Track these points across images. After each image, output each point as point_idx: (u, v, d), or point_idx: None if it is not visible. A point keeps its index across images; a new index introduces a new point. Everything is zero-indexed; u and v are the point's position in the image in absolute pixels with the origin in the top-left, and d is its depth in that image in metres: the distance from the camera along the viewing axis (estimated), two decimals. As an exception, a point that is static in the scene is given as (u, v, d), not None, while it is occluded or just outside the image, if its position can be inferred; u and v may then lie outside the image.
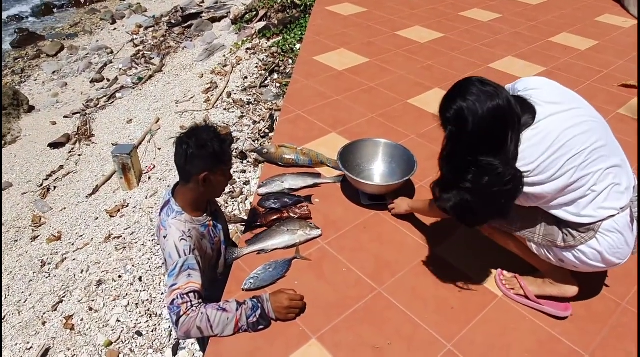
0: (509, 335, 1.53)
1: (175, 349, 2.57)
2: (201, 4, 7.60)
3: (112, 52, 6.70)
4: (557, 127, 1.31)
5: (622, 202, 1.35)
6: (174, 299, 1.39)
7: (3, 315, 2.96)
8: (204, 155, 1.44)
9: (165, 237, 1.48)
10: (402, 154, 2.14)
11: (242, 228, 2.73)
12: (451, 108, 1.29)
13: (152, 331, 2.68)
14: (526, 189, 1.32)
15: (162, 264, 1.59)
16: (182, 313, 1.38)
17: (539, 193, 1.34)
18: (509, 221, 1.49)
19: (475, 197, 1.33)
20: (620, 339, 1.53)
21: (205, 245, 1.56)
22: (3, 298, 3.09)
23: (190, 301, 1.40)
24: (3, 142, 4.94)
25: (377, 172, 2.20)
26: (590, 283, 1.66)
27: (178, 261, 1.43)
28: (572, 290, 1.55)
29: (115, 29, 7.62)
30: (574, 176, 1.31)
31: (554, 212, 1.39)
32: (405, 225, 1.98)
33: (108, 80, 5.96)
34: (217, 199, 1.86)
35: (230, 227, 2.99)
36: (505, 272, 1.70)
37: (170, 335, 2.65)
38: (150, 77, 5.72)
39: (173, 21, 7.06)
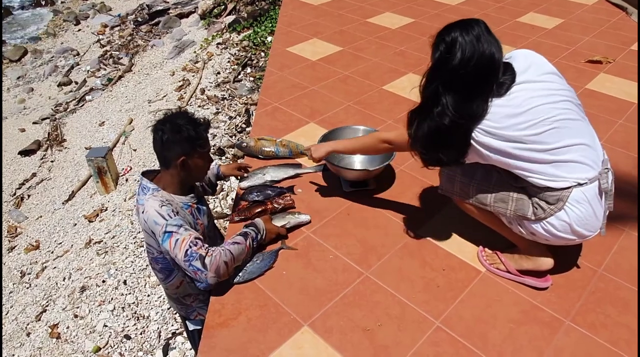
0: (493, 307, 1.58)
1: (166, 349, 2.56)
2: (167, 0, 7.43)
3: (78, 54, 6.51)
4: (523, 94, 1.35)
5: (589, 174, 1.40)
6: (187, 250, 1.40)
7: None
8: (179, 140, 1.45)
9: (143, 212, 1.45)
10: (381, 139, 2.16)
11: (227, 224, 2.72)
12: (449, 35, 1.31)
13: (141, 334, 2.66)
14: (495, 143, 1.35)
15: (148, 254, 1.55)
16: (205, 255, 1.42)
17: (507, 151, 1.36)
18: (483, 196, 1.54)
19: (437, 128, 1.37)
20: (599, 303, 1.60)
21: (188, 220, 1.52)
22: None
23: (204, 245, 1.44)
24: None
25: (357, 158, 2.22)
26: (567, 253, 1.73)
27: (166, 223, 1.41)
28: (547, 263, 1.60)
29: (79, 29, 7.39)
30: (534, 141, 1.34)
31: (522, 172, 1.41)
32: (388, 209, 2.01)
33: (76, 83, 5.79)
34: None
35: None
36: (486, 249, 1.75)
37: (160, 336, 2.63)
38: (120, 77, 5.59)
39: (139, 19, 6.89)
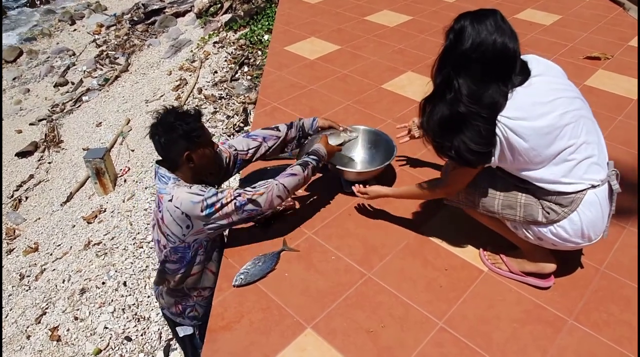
0: (496, 307, 1.58)
1: (167, 351, 2.56)
2: (163, -1, 7.40)
3: (74, 54, 6.48)
4: (543, 85, 1.35)
5: (601, 175, 1.39)
6: (235, 204, 1.50)
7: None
8: (176, 138, 1.47)
9: (171, 200, 1.47)
10: (381, 139, 2.16)
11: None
12: (459, 23, 1.31)
13: (142, 335, 2.66)
14: (515, 140, 1.31)
15: (168, 243, 1.55)
16: (252, 196, 1.53)
17: (527, 147, 1.32)
18: (490, 204, 1.52)
19: (450, 115, 1.34)
20: (601, 302, 1.60)
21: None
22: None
23: (245, 191, 1.53)
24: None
25: (358, 159, 2.21)
26: (569, 252, 1.72)
27: (203, 198, 1.47)
28: (549, 267, 1.59)
29: (75, 29, 7.35)
30: (559, 135, 1.32)
31: (539, 173, 1.37)
32: (389, 209, 2.00)
33: (72, 83, 5.77)
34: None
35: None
36: (488, 249, 1.75)
37: (161, 337, 2.63)
38: (117, 77, 5.57)
39: (135, 18, 6.86)
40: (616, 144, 2.42)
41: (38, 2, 8.59)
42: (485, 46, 1.26)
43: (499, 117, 1.31)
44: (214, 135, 3.91)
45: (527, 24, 3.92)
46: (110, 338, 2.63)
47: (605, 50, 3.40)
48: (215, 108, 4.39)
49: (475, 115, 1.30)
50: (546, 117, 1.31)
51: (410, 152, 2.29)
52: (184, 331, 1.74)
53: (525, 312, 1.56)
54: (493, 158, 1.36)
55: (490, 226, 1.63)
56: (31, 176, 4.34)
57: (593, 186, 1.38)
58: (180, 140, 1.47)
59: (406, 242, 1.84)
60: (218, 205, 1.48)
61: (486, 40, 1.26)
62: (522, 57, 1.37)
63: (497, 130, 1.32)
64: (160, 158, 1.58)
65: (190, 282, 1.65)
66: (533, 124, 1.30)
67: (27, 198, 4.11)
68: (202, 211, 1.46)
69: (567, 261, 1.71)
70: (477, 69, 1.29)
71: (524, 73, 1.35)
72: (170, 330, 2.60)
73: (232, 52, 5.16)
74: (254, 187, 1.56)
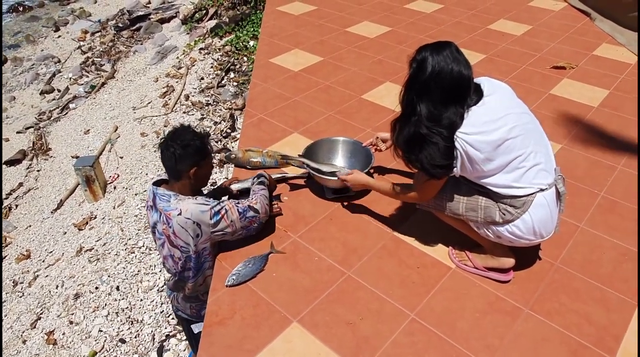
0: (462, 300, 1.76)
1: (160, 351, 2.67)
2: (147, 5, 7.45)
3: (59, 61, 6.50)
4: (495, 104, 1.54)
5: (549, 180, 1.59)
6: (239, 210, 1.72)
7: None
8: (190, 154, 1.65)
9: (180, 214, 1.62)
10: (360, 149, 2.33)
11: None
12: (420, 54, 1.50)
13: (135, 337, 2.76)
14: (473, 153, 1.50)
15: (182, 254, 1.74)
16: (250, 205, 1.77)
17: (482, 158, 1.50)
18: (455, 208, 1.70)
19: (414, 134, 1.53)
20: (554, 293, 1.80)
21: None
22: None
23: (243, 202, 1.77)
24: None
25: (338, 167, 2.37)
26: (528, 248, 1.91)
27: (210, 207, 1.65)
28: (509, 262, 1.79)
29: (59, 36, 7.36)
30: (509, 146, 1.51)
31: (494, 180, 1.56)
32: (367, 214, 2.17)
33: (59, 90, 5.80)
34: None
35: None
36: (456, 248, 1.94)
37: (154, 339, 2.74)
38: (103, 84, 5.63)
39: (120, 24, 6.90)
40: (575, 149, 2.63)
41: (21, 9, 8.56)
42: (443, 74, 1.45)
43: (458, 134, 1.50)
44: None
45: (499, 34, 4.12)
46: (105, 341, 2.73)
47: (571, 60, 3.61)
48: (203, 114, 4.50)
49: (436, 135, 1.50)
50: (498, 131, 1.50)
51: (386, 161, 2.47)
52: (198, 327, 1.91)
53: (487, 303, 1.75)
54: (455, 169, 1.55)
55: (457, 226, 1.82)
56: (20, 184, 4.39)
57: (541, 190, 1.58)
58: (194, 155, 1.66)
59: (383, 244, 2.01)
60: (223, 211, 1.68)
61: (444, 69, 1.45)
62: (475, 80, 1.56)
63: (457, 145, 1.51)
64: (155, 178, 1.76)
65: (203, 288, 1.83)
66: (487, 138, 1.50)
67: (17, 206, 4.16)
68: (210, 219, 1.65)
69: (526, 256, 1.91)
70: (437, 94, 1.48)
71: (478, 94, 1.55)
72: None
73: (218, 59, 5.26)
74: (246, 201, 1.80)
